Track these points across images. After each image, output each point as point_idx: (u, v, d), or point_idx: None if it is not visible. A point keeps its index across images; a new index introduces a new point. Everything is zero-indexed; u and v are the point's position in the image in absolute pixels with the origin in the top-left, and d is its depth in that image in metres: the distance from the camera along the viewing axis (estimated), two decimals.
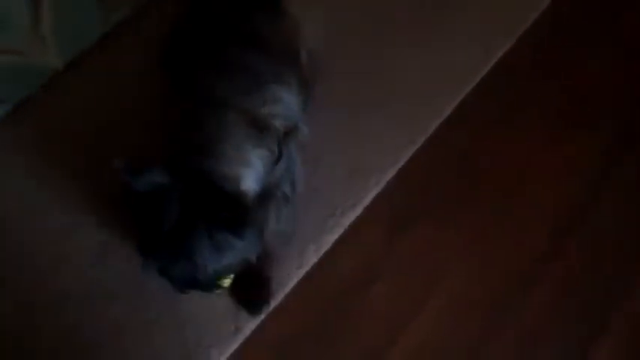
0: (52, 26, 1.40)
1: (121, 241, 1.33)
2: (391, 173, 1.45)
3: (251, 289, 1.28)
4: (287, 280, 1.33)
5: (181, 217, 1.03)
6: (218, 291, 1.20)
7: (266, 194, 1.16)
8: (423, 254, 1.40)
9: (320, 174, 1.32)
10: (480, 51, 1.56)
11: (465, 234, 1.42)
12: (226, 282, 1.19)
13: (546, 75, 1.58)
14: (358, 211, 1.41)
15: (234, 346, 1.30)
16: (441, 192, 1.46)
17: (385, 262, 1.39)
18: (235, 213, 1.04)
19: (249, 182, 1.12)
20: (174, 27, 1.43)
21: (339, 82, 1.45)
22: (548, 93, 1.56)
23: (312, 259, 1.36)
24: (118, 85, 1.46)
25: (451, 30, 1.58)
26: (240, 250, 1.08)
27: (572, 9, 1.64)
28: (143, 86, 1.43)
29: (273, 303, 1.32)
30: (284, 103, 1.20)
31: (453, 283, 1.38)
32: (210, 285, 1.13)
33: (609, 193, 1.48)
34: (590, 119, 1.54)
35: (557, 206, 1.46)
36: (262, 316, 1.31)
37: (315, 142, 1.31)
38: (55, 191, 1.37)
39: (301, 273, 1.35)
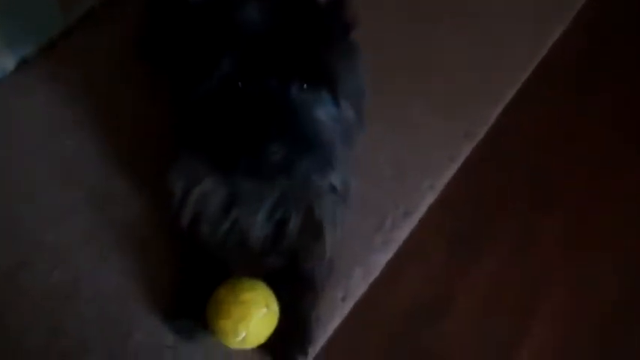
0: None
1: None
2: (448, 175, 1.12)
3: (285, 334, 0.89)
4: (329, 317, 0.94)
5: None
6: None
7: None
8: (502, 283, 1.04)
9: (362, 174, 0.97)
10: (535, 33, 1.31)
11: (549, 260, 1.07)
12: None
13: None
14: (413, 222, 1.06)
15: None
16: (508, 206, 1.11)
17: (456, 288, 1.02)
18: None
19: None
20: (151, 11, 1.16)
21: (378, 69, 1.11)
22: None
23: (360, 287, 0.98)
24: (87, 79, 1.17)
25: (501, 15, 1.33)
26: None
27: None
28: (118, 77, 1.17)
29: (312, 352, 0.92)
30: None
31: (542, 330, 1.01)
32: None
33: None
34: None
35: None
36: None
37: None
38: None
39: (347, 307, 0.96)
